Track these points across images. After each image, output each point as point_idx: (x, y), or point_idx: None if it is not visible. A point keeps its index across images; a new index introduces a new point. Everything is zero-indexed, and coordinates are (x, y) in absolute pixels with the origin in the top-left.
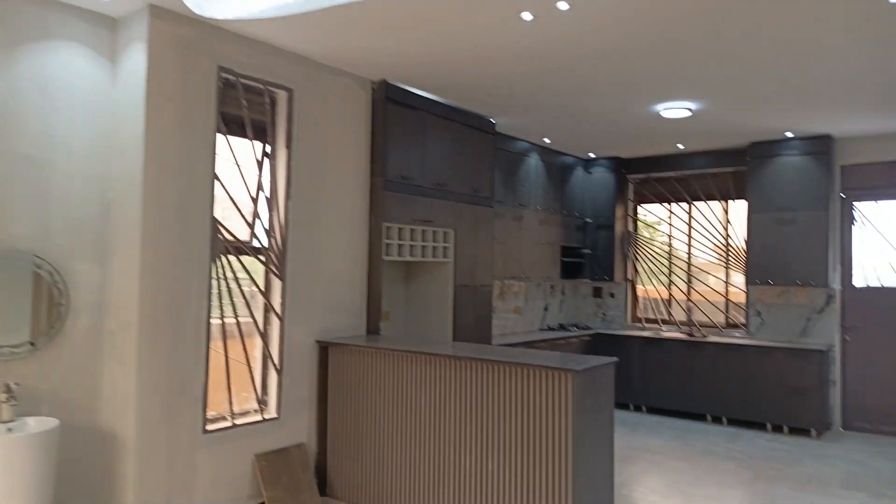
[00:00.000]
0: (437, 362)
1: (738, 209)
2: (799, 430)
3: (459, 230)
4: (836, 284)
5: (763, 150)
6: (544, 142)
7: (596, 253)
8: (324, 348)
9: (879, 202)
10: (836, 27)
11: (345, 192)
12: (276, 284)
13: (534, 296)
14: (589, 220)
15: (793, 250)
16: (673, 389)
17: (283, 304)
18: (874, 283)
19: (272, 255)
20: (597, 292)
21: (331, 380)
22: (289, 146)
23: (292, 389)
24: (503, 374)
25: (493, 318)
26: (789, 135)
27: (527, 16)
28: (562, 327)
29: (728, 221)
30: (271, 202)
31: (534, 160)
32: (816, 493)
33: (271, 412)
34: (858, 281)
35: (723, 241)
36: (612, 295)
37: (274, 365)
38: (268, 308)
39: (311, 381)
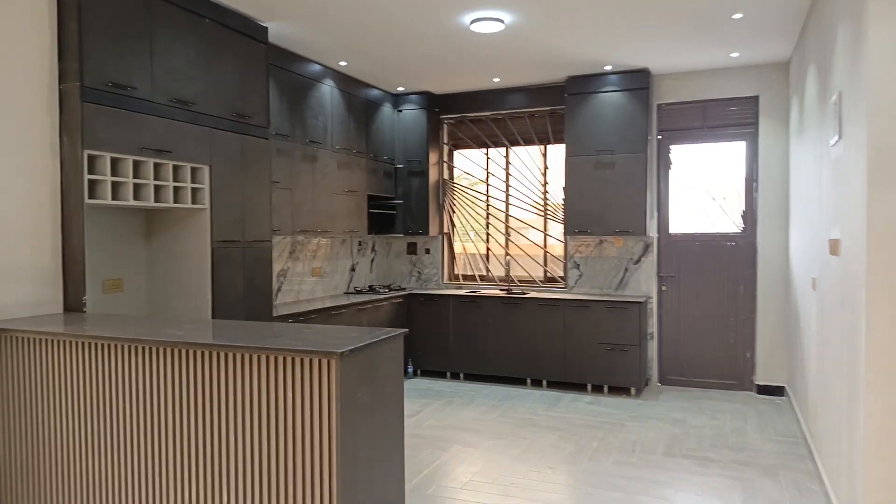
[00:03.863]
0: (144, 353)
1: (557, 154)
2: (619, 389)
3: (218, 167)
4: (652, 232)
5: (581, 85)
6: (340, 66)
7: (408, 203)
8: None
9: (694, 145)
10: None
11: (14, 99)
12: None
13: (339, 254)
14: (400, 165)
15: (611, 196)
16: (491, 353)
17: None
18: (688, 230)
19: None
20: (411, 248)
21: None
22: None
23: None
24: (238, 365)
25: (285, 282)
26: (608, 68)
27: None
28: (371, 289)
29: (546, 167)
30: None
31: (328, 88)
32: (641, 465)
33: None
34: (674, 228)
35: (541, 188)
36: (427, 251)
37: None
38: None
39: None
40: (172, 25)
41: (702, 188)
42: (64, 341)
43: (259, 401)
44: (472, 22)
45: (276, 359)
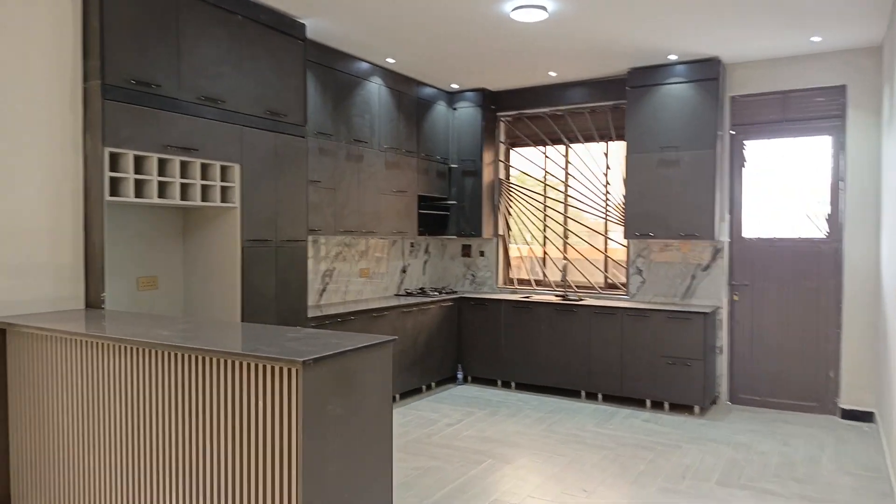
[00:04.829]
0: (123, 352)
1: (620, 152)
2: (681, 407)
3: (249, 165)
4: (723, 236)
5: (644, 77)
6: (388, 62)
7: (461, 204)
8: None
9: (772, 140)
10: None
11: (38, 97)
12: None
13: (390, 255)
14: (454, 165)
15: (676, 197)
16: (543, 362)
17: None
18: (765, 235)
19: None
20: (465, 251)
21: (12, 382)
22: None
23: None
24: (208, 369)
25: (331, 282)
26: (673, 58)
27: None
28: (422, 291)
29: (608, 166)
30: None
31: (376, 86)
32: (689, 493)
33: None
34: (748, 232)
35: (602, 188)
36: (481, 253)
37: None
38: None
39: None
40: (201, 22)
41: (780, 188)
42: (48, 337)
43: (226, 407)
44: (513, 10)
45: (245, 365)
